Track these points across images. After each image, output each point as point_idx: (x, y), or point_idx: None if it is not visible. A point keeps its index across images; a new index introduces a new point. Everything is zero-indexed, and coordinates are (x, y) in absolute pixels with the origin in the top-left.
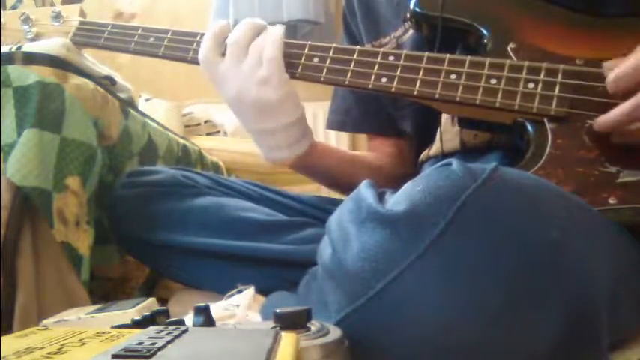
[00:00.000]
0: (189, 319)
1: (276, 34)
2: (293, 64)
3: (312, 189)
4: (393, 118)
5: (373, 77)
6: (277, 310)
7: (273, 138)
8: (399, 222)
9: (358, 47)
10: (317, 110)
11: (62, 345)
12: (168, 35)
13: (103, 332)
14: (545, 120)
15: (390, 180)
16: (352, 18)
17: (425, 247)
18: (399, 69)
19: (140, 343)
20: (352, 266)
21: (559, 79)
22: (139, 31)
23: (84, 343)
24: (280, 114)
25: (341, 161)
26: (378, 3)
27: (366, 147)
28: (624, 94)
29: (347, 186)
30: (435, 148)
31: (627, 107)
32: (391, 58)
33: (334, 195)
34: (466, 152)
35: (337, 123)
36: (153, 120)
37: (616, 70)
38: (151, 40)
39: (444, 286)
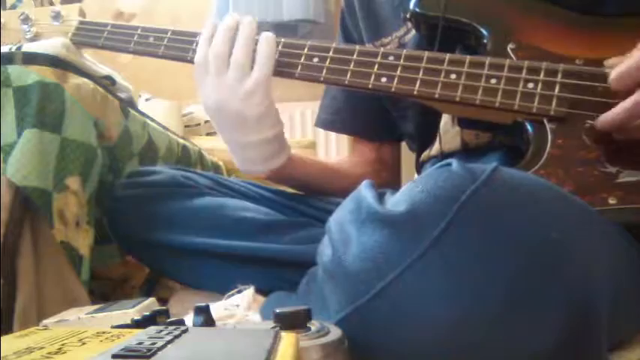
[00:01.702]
0: (189, 319)
1: (270, 48)
2: (292, 63)
3: None
4: (381, 121)
5: (373, 77)
6: (277, 310)
7: (249, 152)
8: (399, 222)
9: (358, 47)
10: (317, 110)
11: (62, 345)
12: (168, 35)
13: (103, 332)
14: (545, 120)
15: None
16: (352, 18)
17: (425, 248)
18: (399, 69)
19: (140, 343)
20: (352, 266)
21: (559, 79)
22: (139, 31)
23: (84, 343)
24: (259, 129)
25: (316, 172)
26: (379, 3)
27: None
28: (627, 92)
29: (324, 193)
30: (435, 148)
31: (629, 104)
32: (391, 57)
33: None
34: (467, 152)
35: (326, 122)
36: (153, 120)
37: (618, 68)
38: (151, 39)
39: (444, 287)
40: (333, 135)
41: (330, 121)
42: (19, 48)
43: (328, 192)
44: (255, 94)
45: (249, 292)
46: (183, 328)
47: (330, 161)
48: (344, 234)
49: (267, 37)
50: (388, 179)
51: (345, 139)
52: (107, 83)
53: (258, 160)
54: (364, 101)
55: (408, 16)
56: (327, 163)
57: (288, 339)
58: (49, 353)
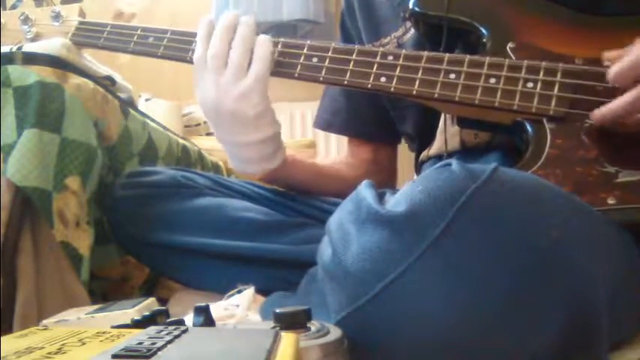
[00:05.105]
0: (189, 319)
1: (265, 49)
2: (292, 64)
3: None
4: (379, 124)
5: (372, 77)
6: (277, 310)
7: (245, 152)
8: (398, 222)
9: (357, 47)
10: (316, 110)
11: (62, 345)
12: (168, 35)
13: (103, 332)
14: (545, 120)
15: None
16: (351, 18)
17: (425, 248)
18: (398, 69)
19: (140, 343)
20: (352, 267)
21: (558, 78)
22: (139, 31)
23: (84, 343)
24: (255, 130)
25: (311, 175)
26: (379, 3)
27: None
28: (627, 87)
29: (319, 194)
30: (435, 148)
31: (629, 99)
32: (390, 57)
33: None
34: (466, 152)
35: (324, 123)
36: (153, 120)
37: (618, 64)
38: (150, 40)
39: (444, 287)
40: (333, 135)
41: (328, 122)
42: (19, 48)
43: (323, 193)
44: (250, 95)
45: (249, 292)
46: (183, 328)
47: (326, 162)
48: (344, 234)
49: (261, 40)
50: (383, 181)
51: (345, 139)
52: (107, 83)
53: (253, 161)
54: (364, 103)
55: (407, 15)
56: (323, 165)
57: (288, 339)
58: (49, 353)
